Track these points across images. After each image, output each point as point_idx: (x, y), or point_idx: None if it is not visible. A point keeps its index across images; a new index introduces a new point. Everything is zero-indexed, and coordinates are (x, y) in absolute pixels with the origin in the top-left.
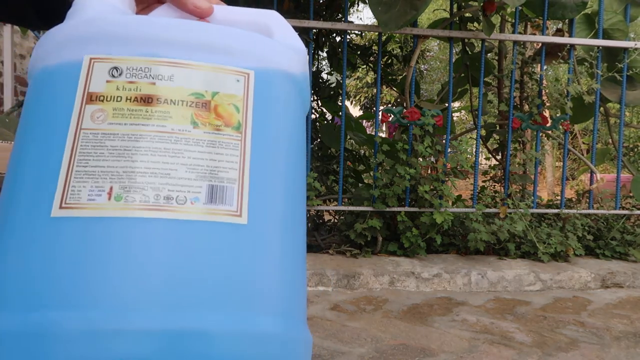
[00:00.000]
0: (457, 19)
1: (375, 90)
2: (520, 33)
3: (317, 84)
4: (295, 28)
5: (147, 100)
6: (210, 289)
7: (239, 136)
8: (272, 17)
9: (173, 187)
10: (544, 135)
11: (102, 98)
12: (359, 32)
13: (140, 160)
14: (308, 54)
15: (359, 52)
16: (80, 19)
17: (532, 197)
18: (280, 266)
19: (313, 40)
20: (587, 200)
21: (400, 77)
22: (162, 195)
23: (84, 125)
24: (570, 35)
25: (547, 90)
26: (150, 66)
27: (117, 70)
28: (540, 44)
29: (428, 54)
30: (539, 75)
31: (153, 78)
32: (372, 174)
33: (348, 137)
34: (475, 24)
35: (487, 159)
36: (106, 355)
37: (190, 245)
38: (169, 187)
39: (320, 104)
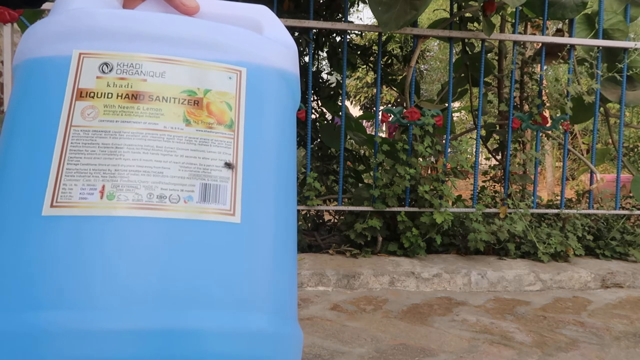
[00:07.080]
0: (457, 19)
1: (375, 90)
2: (520, 33)
3: (317, 84)
4: (295, 28)
5: (138, 97)
6: (204, 288)
7: (231, 134)
8: (261, 12)
9: (166, 185)
10: (544, 135)
11: (92, 94)
12: (359, 32)
13: (133, 159)
14: (308, 54)
15: (359, 52)
16: (68, 12)
17: (532, 197)
18: (272, 264)
19: (313, 40)
20: (587, 200)
21: (400, 77)
22: (155, 194)
23: (75, 122)
24: (570, 36)
25: (547, 90)
26: (142, 62)
27: (107, 66)
28: (540, 44)
29: (428, 54)
30: (539, 75)
31: (144, 74)
32: (372, 174)
33: (348, 137)
34: (475, 24)
35: (487, 159)
36: (99, 355)
37: (184, 244)
38: (162, 186)
39: (320, 104)
